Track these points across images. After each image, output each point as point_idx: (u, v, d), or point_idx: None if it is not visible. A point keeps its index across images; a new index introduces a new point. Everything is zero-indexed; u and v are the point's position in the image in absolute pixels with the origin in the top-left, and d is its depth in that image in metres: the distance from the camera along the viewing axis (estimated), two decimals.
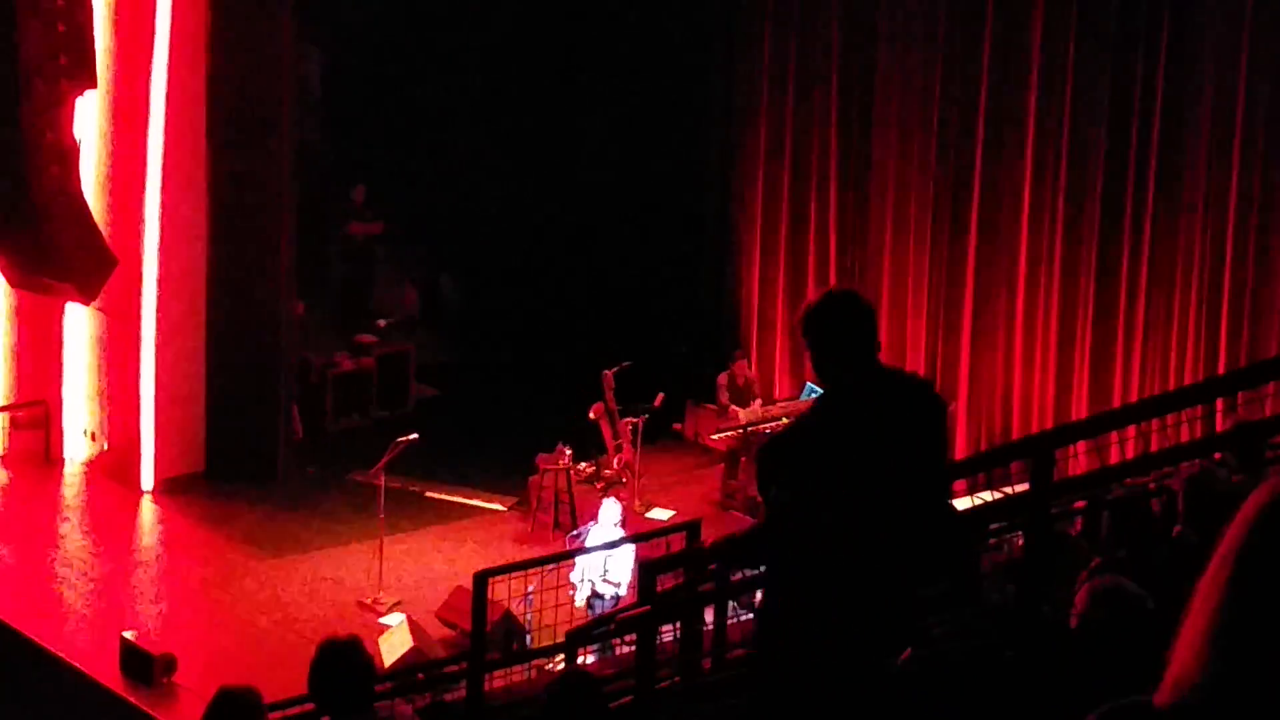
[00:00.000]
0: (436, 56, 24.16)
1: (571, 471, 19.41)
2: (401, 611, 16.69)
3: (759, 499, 19.32)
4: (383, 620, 16.66)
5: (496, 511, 19.82)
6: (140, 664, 15.15)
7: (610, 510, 17.09)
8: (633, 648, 8.34)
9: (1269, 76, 17.57)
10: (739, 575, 10.84)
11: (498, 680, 12.66)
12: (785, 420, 20.36)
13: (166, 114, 19.12)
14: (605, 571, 16.32)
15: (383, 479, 17.61)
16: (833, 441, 6.42)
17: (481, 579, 12.23)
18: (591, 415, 19.93)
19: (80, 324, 20.03)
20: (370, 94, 24.26)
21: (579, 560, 16.18)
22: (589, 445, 19.96)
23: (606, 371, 19.95)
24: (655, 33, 23.24)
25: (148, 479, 19.66)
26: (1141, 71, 18.48)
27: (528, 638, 15.44)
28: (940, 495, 6.53)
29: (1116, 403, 18.43)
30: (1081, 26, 18.89)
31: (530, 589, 15.18)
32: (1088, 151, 18.99)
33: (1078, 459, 11.08)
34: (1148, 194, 18.55)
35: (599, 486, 19.49)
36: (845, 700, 6.22)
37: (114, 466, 19.91)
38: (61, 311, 19.91)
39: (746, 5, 22.62)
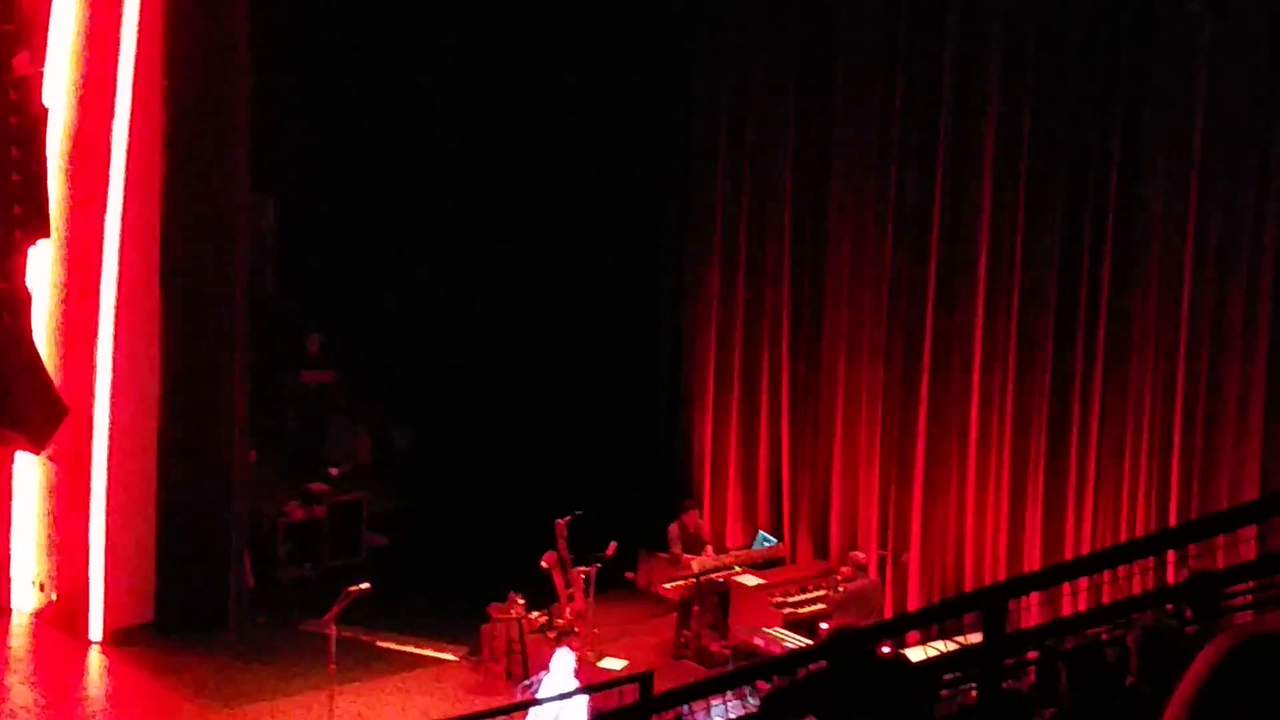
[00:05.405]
0: (391, 208, 24.28)
1: (524, 621, 19.32)
2: None
3: (713, 649, 19.30)
4: None
5: (448, 661, 19.72)
6: None
7: (563, 660, 17.01)
8: None
9: (1217, 227, 17.72)
10: None
11: None
12: (738, 569, 20.38)
13: (120, 264, 19.14)
14: None
15: (334, 629, 17.49)
16: None
17: None
18: (544, 564, 19.85)
19: (30, 473, 19.93)
20: (324, 243, 24.34)
21: (532, 711, 16.08)
22: (541, 594, 19.87)
23: (559, 520, 19.90)
24: (612, 184, 23.44)
25: (96, 630, 19.50)
26: (1090, 224, 18.65)
27: None
28: None
29: (1069, 554, 18.46)
30: (1031, 179, 19.08)
31: None
32: (1038, 303, 19.12)
33: (1030, 610, 11.11)
34: (1097, 345, 18.67)
35: (551, 636, 19.39)
36: None
37: (62, 617, 19.74)
38: (11, 460, 19.82)
39: (698, 153, 22.80)
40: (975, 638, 8.46)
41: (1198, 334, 17.90)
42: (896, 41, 20.38)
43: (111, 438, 19.38)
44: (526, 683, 17.87)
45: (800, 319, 21.68)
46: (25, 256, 18.35)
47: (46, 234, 18.54)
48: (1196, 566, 13.71)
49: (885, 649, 12.13)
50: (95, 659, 19.37)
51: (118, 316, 19.24)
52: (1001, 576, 18.35)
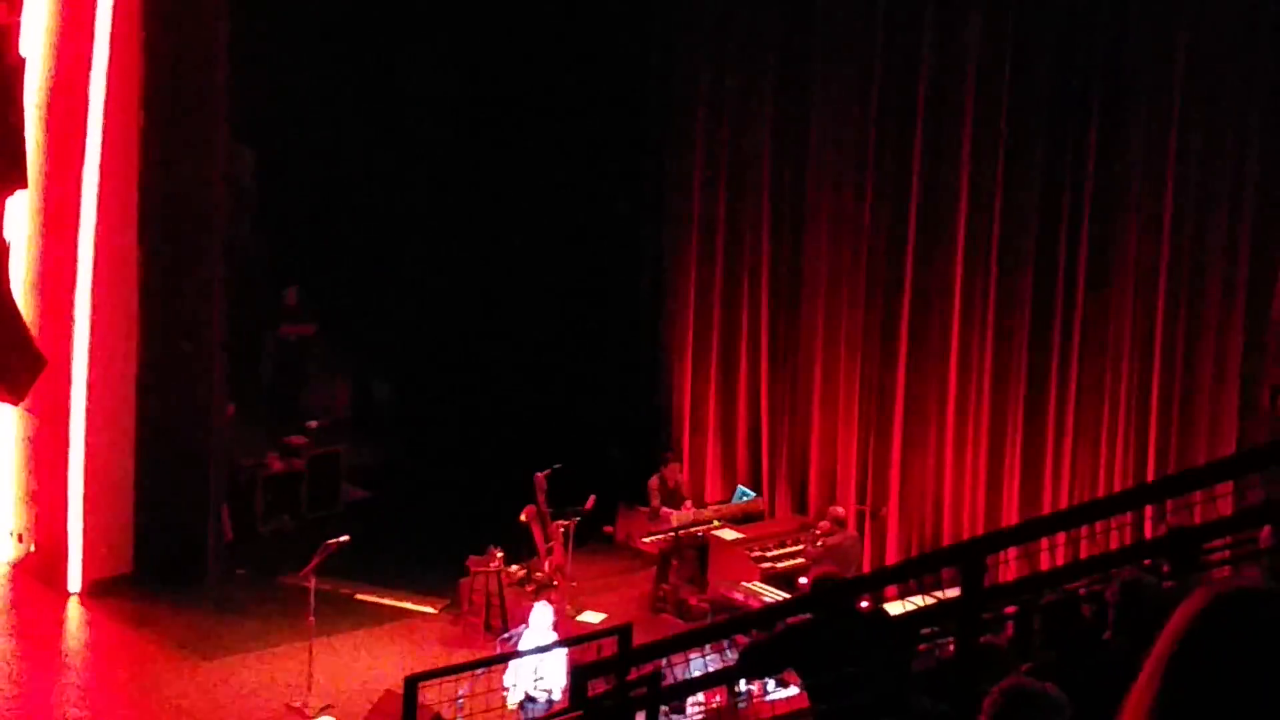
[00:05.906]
0: (371, 158, 24.20)
1: (503, 574, 19.33)
2: (331, 715, 16.54)
3: (692, 603, 19.30)
4: None
5: (427, 614, 19.72)
6: None
7: (542, 613, 17.02)
8: None
9: (1195, 186, 17.74)
10: (669, 680, 10.80)
11: None
12: (717, 524, 20.38)
13: (98, 214, 19.06)
14: (537, 676, 16.23)
15: (313, 581, 17.47)
16: None
17: (411, 683, 12.14)
18: (523, 518, 19.86)
19: (8, 424, 19.89)
20: (303, 195, 24.27)
21: (511, 663, 16.09)
22: (520, 548, 19.89)
23: (538, 474, 19.90)
24: (590, 138, 23.34)
25: (75, 581, 19.48)
26: (1070, 180, 18.65)
27: None
28: None
29: (1047, 509, 18.49)
30: (1010, 137, 19.07)
31: (461, 693, 15.08)
32: (1018, 257, 19.13)
33: (1008, 565, 11.13)
34: (1076, 301, 18.69)
35: (530, 589, 19.41)
36: None
37: (41, 568, 19.72)
38: None
39: (678, 111, 22.74)
40: (953, 592, 8.48)
41: (1175, 291, 17.93)
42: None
43: (90, 389, 19.33)
44: (505, 636, 17.88)
45: (779, 274, 21.66)
46: (3, 207, 18.27)
47: (24, 185, 18.45)
48: (1174, 522, 13.75)
49: (864, 603, 12.17)
50: (74, 610, 19.35)
51: (96, 267, 19.17)
52: (980, 531, 18.40)
